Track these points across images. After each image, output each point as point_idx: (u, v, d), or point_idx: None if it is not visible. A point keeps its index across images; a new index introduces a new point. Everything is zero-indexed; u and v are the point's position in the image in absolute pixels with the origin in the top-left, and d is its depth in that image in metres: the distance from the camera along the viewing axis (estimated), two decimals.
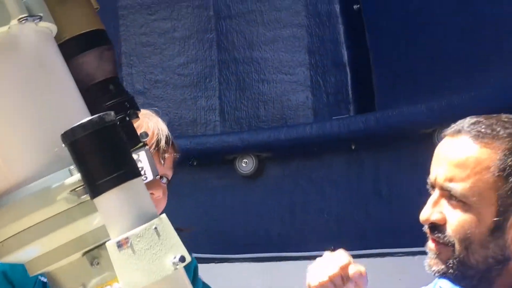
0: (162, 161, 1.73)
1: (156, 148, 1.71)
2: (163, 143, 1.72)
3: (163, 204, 1.78)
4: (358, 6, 3.39)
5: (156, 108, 1.83)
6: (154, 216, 0.89)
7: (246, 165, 3.45)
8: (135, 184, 0.89)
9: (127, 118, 1.19)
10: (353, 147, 3.18)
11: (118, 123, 0.90)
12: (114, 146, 0.88)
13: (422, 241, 1.39)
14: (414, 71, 3.24)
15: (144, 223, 0.88)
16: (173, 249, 0.87)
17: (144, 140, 1.20)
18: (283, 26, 3.51)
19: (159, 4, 3.75)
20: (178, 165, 3.60)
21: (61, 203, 0.93)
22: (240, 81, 3.64)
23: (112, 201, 0.88)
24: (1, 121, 0.95)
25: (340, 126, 3.17)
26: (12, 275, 1.61)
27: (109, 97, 1.17)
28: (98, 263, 0.95)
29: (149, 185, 1.58)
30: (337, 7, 3.37)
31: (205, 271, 3.25)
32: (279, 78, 3.55)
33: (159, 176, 1.76)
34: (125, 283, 0.87)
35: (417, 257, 2.75)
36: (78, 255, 0.95)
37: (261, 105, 3.58)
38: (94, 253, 0.95)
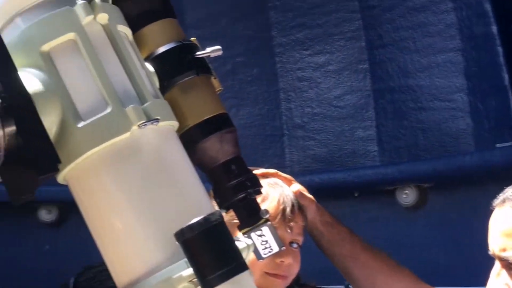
0: (288, 230, 1.78)
1: (282, 218, 1.77)
2: (288, 212, 1.77)
3: (295, 269, 1.83)
4: None
5: (280, 180, 1.89)
6: None
7: (407, 196, 3.40)
8: (241, 279, 0.95)
9: (249, 197, 1.26)
10: None
11: (223, 220, 0.96)
12: (220, 244, 0.94)
13: None
14: None
15: None
16: None
17: (265, 216, 1.27)
18: (437, 52, 3.42)
19: (312, 39, 3.83)
20: (341, 196, 3.63)
21: None
22: (396, 110, 3.59)
23: None
24: (129, 219, 1.06)
25: (502, 156, 3.01)
26: None
27: (231, 177, 1.25)
28: None
29: (278, 253, 1.65)
30: (494, 28, 3.22)
31: None
32: (437, 105, 3.45)
33: (288, 243, 1.81)
34: None
35: None
36: None
37: (419, 133, 3.51)
38: None
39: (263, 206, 1.75)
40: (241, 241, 1.09)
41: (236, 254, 0.96)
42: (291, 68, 3.91)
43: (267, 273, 1.77)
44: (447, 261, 3.30)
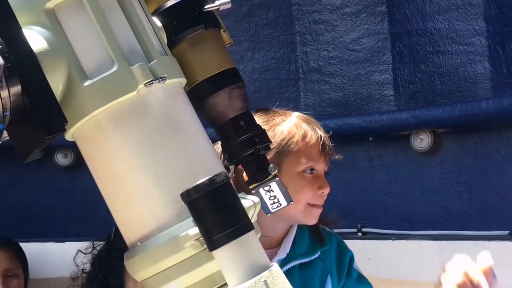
0: (326, 163, 1.95)
1: (323, 152, 1.94)
2: (327, 145, 1.94)
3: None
4: None
5: (311, 112, 1.98)
6: (265, 269, 0.95)
7: (421, 141, 3.38)
8: (247, 239, 0.96)
9: (257, 152, 1.26)
10: None
11: (228, 181, 0.96)
12: (225, 205, 0.95)
13: None
14: None
15: (255, 275, 0.94)
16: None
17: (273, 172, 1.27)
18: None
19: None
20: (355, 141, 3.62)
21: (188, 249, 1.03)
22: (414, 53, 3.54)
23: (226, 255, 0.95)
24: (136, 177, 1.06)
25: None
26: None
27: (240, 133, 1.25)
28: None
29: (321, 185, 1.82)
30: None
31: (383, 247, 3.27)
32: (455, 48, 3.39)
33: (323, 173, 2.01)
34: None
35: None
36: None
37: (436, 78, 3.46)
38: None
39: (303, 143, 1.93)
40: (248, 199, 1.09)
41: (241, 214, 0.96)
42: (308, 11, 3.84)
43: (309, 204, 1.98)
44: (460, 206, 3.31)
